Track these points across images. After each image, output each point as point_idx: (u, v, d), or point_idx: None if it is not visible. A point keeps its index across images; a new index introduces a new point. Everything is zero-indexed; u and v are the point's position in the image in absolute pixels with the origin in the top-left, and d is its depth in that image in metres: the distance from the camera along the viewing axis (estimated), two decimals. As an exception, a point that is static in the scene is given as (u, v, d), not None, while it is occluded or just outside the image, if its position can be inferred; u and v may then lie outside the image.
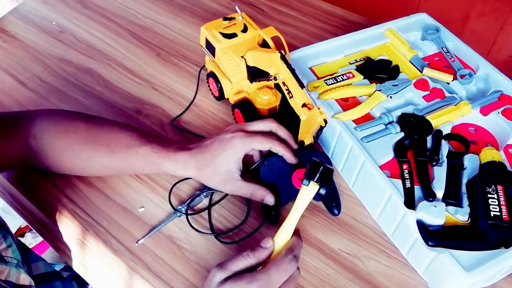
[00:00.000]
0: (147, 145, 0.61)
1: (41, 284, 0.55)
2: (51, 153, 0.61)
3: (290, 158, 0.62)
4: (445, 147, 0.64)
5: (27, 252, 0.56)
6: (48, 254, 1.30)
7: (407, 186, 0.60)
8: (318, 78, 0.75)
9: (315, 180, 0.54)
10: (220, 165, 0.60)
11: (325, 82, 0.73)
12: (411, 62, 0.78)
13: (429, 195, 0.59)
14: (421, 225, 0.56)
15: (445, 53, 0.79)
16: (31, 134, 0.61)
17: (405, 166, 0.62)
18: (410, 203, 0.58)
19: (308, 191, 0.54)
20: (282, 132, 0.64)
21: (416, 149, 0.64)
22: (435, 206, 0.57)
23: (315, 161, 0.54)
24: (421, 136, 0.65)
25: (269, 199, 0.61)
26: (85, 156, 0.62)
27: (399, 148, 0.64)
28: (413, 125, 0.66)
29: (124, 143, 0.62)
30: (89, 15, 0.97)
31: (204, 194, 0.66)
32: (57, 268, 0.70)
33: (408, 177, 0.61)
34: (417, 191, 0.60)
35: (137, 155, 0.61)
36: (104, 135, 0.62)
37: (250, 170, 0.65)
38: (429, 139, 0.65)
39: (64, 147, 0.61)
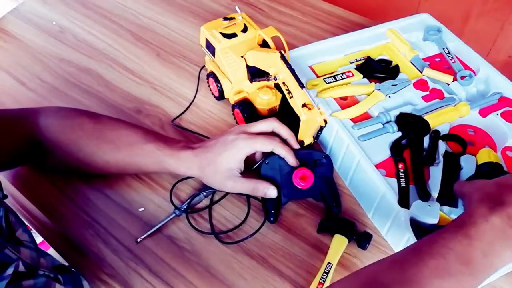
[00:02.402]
0: (152, 143, 0.61)
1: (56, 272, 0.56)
2: (56, 149, 0.62)
3: (291, 161, 0.63)
4: (442, 147, 0.64)
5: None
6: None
7: (402, 185, 0.60)
8: (318, 77, 0.75)
9: None
10: (221, 164, 0.60)
11: (324, 81, 0.73)
12: (411, 63, 0.78)
13: (424, 195, 0.59)
14: (413, 222, 0.56)
15: (446, 54, 0.79)
16: (37, 130, 0.61)
17: (400, 165, 0.62)
18: (404, 202, 0.58)
19: None
20: (284, 131, 0.64)
21: (413, 149, 0.64)
22: (429, 206, 0.57)
23: None
24: (418, 136, 0.65)
25: (272, 192, 0.62)
26: (89, 152, 0.62)
27: (395, 147, 0.64)
28: (411, 125, 0.66)
29: (129, 140, 0.62)
30: (89, 15, 0.97)
31: (204, 194, 0.66)
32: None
33: (403, 176, 0.61)
34: (412, 190, 0.60)
35: (142, 152, 0.61)
36: (109, 132, 0.63)
37: (252, 169, 0.65)
38: (426, 139, 0.65)
39: (69, 143, 0.61)
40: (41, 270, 0.50)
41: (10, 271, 0.44)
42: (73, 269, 0.61)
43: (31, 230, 0.67)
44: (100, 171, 0.66)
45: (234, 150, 0.60)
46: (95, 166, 0.64)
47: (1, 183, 0.54)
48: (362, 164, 0.63)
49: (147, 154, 0.61)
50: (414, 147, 0.64)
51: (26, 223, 0.64)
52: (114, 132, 0.63)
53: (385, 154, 0.64)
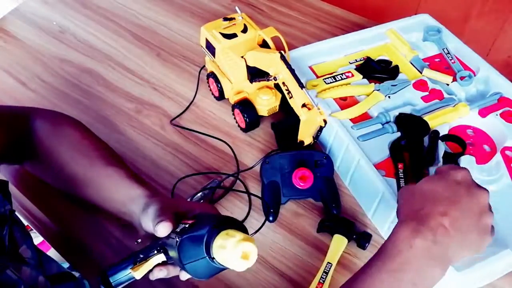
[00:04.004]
0: (118, 168, 0.58)
1: (55, 284, 0.56)
2: (41, 153, 0.61)
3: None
4: (441, 147, 0.64)
5: (40, 254, 0.56)
6: (50, 254, 1.30)
7: (401, 185, 0.60)
8: (318, 77, 0.75)
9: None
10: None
11: (324, 81, 0.74)
12: (411, 63, 0.78)
13: None
14: None
15: (446, 54, 0.79)
16: (29, 131, 0.61)
17: (400, 165, 0.62)
18: None
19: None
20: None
21: (412, 149, 0.64)
22: None
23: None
24: (417, 137, 0.65)
25: (160, 228, 0.47)
26: (64, 162, 0.59)
27: (395, 147, 0.65)
28: (410, 125, 0.67)
29: (103, 160, 0.59)
30: (89, 15, 0.98)
31: (204, 193, 0.66)
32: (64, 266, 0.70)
33: (402, 176, 0.61)
34: None
35: (105, 172, 0.58)
36: (91, 150, 0.60)
37: (252, 168, 0.66)
38: (426, 139, 0.66)
39: (51, 148, 0.60)
40: None
41: None
42: (77, 275, 0.61)
43: (32, 230, 0.67)
44: (69, 186, 0.61)
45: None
46: (64, 179, 0.61)
47: (11, 195, 0.54)
48: (361, 164, 0.63)
49: (113, 178, 0.57)
50: (413, 147, 0.64)
51: (27, 224, 0.64)
52: (96, 151, 0.60)
53: (385, 154, 0.64)
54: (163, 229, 0.47)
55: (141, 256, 0.49)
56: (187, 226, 0.45)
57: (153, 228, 0.48)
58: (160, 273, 0.49)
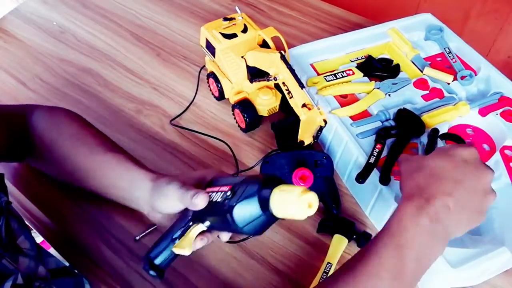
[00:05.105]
0: (123, 154, 0.59)
1: (54, 278, 0.56)
2: (41, 146, 0.61)
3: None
4: (440, 146, 0.64)
5: (39, 249, 0.56)
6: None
7: (369, 161, 0.61)
8: (319, 74, 0.75)
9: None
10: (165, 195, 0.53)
11: (325, 78, 0.74)
12: (412, 62, 0.78)
13: (384, 180, 0.60)
14: None
15: (447, 53, 0.79)
16: (28, 126, 0.61)
17: (378, 146, 0.63)
18: (362, 175, 0.60)
19: None
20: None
21: (398, 139, 0.65)
22: None
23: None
24: (408, 133, 0.65)
25: (198, 201, 0.48)
26: (65, 152, 0.60)
27: (382, 132, 0.65)
28: (407, 122, 0.66)
29: (103, 148, 0.59)
30: (89, 15, 0.98)
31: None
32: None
33: (375, 154, 0.62)
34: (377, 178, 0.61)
35: (109, 160, 0.58)
36: (90, 138, 0.61)
37: (252, 168, 0.66)
38: (424, 137, 0.65)
39: (51, 140, 0.60)
40: (37, 281, 0.50)
41: (8, 286, 0.44)
42: (76, 271, 0.61)
43: (32, 230, 0.67)
44: (72, 178, 0.62)
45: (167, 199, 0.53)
46: (67, 170, 0.61)
47: (7, 187, 0.54)
48: (359, 161, 0.63)
49: (113, 164, 0.58)
50: (400, 138, 0.65)
51: (27, 223, 0.64)
52: (95, 139, 0.61)
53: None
54: (201, 201, 0.48)
55: (179, 232, 0.50)
56: (228, 193, 0.45)
57: (190, 202, 0.48)
58: (201, 243, 0.50)
